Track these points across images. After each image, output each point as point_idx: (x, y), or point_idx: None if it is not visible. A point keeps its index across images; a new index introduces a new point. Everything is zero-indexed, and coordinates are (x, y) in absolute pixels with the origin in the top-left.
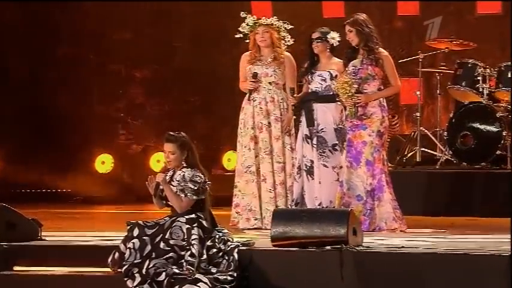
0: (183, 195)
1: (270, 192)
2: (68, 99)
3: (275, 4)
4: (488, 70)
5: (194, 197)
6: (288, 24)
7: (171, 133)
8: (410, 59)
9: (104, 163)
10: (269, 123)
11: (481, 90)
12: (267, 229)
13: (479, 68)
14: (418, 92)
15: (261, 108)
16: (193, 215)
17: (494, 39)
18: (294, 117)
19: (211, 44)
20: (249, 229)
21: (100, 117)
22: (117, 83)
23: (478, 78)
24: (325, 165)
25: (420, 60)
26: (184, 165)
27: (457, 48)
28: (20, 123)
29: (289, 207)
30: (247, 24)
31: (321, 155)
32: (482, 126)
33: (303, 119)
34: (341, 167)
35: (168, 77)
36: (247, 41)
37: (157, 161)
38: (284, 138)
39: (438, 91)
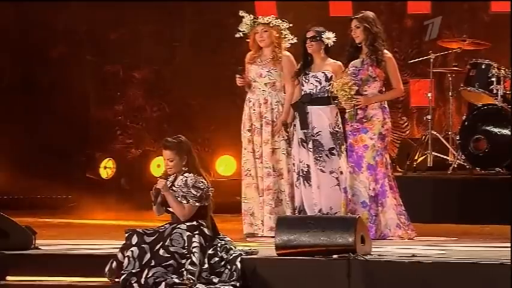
0: (185, 202)
1: (261, 197)
2: (63, 102)
3: (280, 3)
4: (502, 71)
5: (197, 204)
6: (287, 22)
7: (168, 139)
8: (421, 60)
9: (106, 168)
10: (261, 126)
11: (495, 92)
12: (264, 236)
13: (493, 69)
14: (429, 94)
15: (254, 110)
16: (194, 222)
17: (509, 38)
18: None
19: (212, 44)
20: (252, 234)
21: (97, 121)
22: (115, 85)
23: (492, 79)
24: (322, 170)
25: (431, 60)
26: (185, 169)
27: (470, 48)
28: (12, 126)
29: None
30: (246, 24)
31: (317, 159)
32: (496, 130)
33: (297, 122)
34: (341, 172)
35: (168, 78)
36: (248, 40)
37: (157, 165)
38: (281, 142)
39: (450, 93)
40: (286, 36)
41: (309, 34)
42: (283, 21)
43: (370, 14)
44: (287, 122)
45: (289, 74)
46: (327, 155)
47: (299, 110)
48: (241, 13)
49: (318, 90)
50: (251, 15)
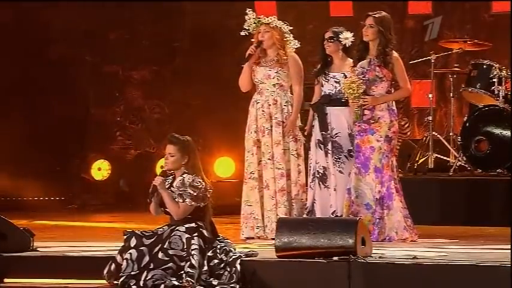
0: (180, 201)
1: (273, 199)
2: (62, 102)
3: (280, 3)
4: (504, 71)
5: (193, 203)
6: (287, 24)
7: (175, 135)
8: (422, 60)
9: (101, 169)
10: (271, 126)
11: (496, 92)
12: (269, 238)
13: (494, 70)
14: (430, 95)
15: (263, 111)
16: (193, 224)
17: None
18: (300, 124)
19: (212, 44)
20: (252, 238)
21: (96, 121)
22: (114, 85)
23: (494, 80)
24: (341, 172)
25: (432, 61)
26: (185, 170)
27: (472, 48)
28: (10, 127)
29: (295, 216)
30: (250, 22)
31: (336, 161)
32: (498, 131)
33: (316, 123)
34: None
35: (167, 78)
36: (253, 39)
37: (160, 167)
38: (289, 143)
39: (451, 94)
40: (290, 41)
41: (327, 34)
42: (284, 23)
43: (388, 17)
44: (303, 125)
45: (296, 75)
46: (345, 157)
47: (318, 111)
48: (248, 11)
49: (337, 91)
50: (254, 14)
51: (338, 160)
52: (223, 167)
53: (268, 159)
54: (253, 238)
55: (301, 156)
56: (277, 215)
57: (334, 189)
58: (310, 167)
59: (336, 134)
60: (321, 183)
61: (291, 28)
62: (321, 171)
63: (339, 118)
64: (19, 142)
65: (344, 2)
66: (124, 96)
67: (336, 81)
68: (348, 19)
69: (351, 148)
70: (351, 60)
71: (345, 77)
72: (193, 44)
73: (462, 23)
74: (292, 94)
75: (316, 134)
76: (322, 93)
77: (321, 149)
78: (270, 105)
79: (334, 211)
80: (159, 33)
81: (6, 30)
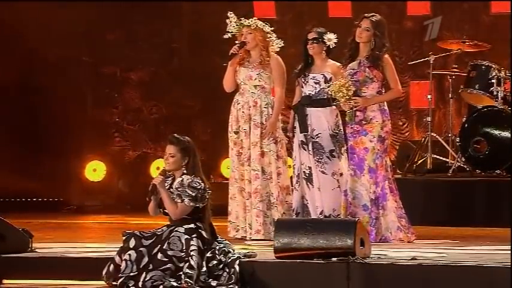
0: (179, 201)
1: (248, 200)
2: (59, 104)
3: (279, 3)
4: (503, 72)
5: (191, 204)
6: (268, 25)
7: (175, 135)
8: (421, 61)
9: (96, 170)
10: (250, 128)
11: (495, 93)
12: (248, 239)
13: (493, 70)
14: (429, 96)
15: (243, 112)
16: (192, 225)
17: (509, 39)
18: (282, 124)
19: (210, 45)
20: (237, 238)
21: (94, 122)
22: (112, 86)
23: (493, 81)
24: (323, 172)
25: (431, 62)
26: (184, 171)
27: (471, 49)
28: (8, 128)
29: (271, 218)
30: (233, 25)
31: (318, 161)
32: (496, 132)
33: (297, 124)
34: (341, 174)
35: (165, 79)
36: (237, 42)
37: (156, 168)
38: (270, 145)
39: (450, 95)
40: (274, 41)
41: (310, 36)
42: (265, 23)
43: (384, 21)
44: (286, 127)
45: (278, 77)
46: (327, 157)
47: (298, 112)
48: (229, 14)
49: (317, 92)
50: (235, 16)
51: (320, 161)
52: (227, 167)
53: (245, 160)
54: (237, 238)
55: (281, 158)
56: (251, 216)
57: (319, 189)
58: (294, 168)
59: (317, 134)
60: (308, 183)
61: (272, 28)
62: (307, 171)
63: (319, 119)
64: (17, 142)
65: (342, 2)
66: (122, 97)
67: (315, 82)
68: (347, 20)
69: (333, 148)
70: (332, 61)
71: (325, 78)
72: (191, 45)
73: (461, 24)
74: (274, 97)
75: (299, 136)
76: (303, 94)
77: (305, 150)
78: (250, 106)
79: (322, 211)
80: (157, 34)
81: (4, 31)
